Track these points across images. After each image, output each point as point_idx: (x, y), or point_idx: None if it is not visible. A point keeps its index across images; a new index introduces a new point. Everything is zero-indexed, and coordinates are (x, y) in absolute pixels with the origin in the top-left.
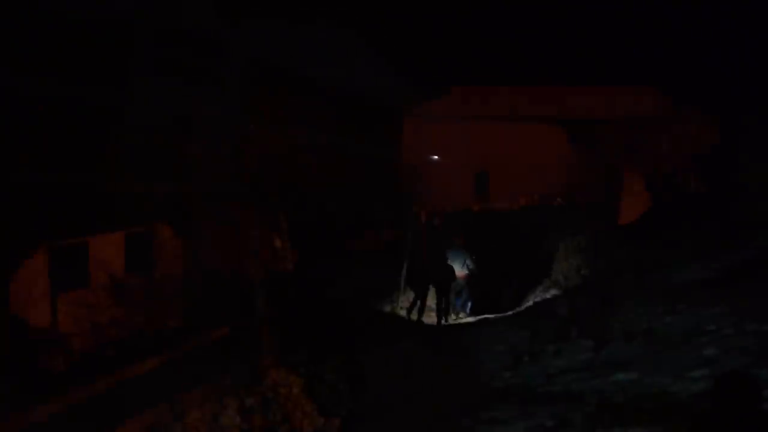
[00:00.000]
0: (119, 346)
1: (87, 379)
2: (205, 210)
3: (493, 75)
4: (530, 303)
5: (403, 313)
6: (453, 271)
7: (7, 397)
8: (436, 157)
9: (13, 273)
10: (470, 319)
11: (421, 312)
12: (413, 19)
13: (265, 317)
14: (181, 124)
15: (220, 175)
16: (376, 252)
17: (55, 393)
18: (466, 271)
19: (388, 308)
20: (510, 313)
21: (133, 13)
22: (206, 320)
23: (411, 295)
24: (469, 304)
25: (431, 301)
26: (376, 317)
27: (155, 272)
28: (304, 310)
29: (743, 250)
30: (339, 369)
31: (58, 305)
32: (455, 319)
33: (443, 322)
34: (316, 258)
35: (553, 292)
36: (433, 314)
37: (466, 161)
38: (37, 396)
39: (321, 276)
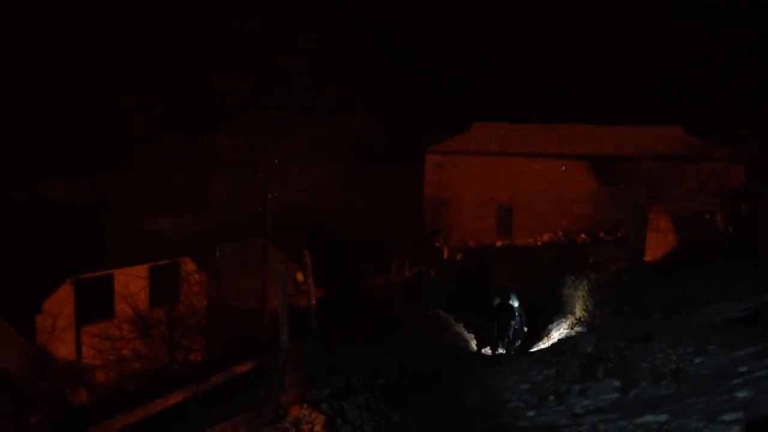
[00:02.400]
0: (142, 380)
1: (110, 414)
2: (229, 245)
3: (519, 112)
4: (554, 340)
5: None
6: (513, 310)
7: None
8: (459, 192)
9: (40, 305)
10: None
11: (496, 344)
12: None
13: (289, 352)
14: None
15: (244, 211)
16: (399, 286)
17: (78, 428)
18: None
19: (411, 342)
20: (534, 350)
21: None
22: (230, 354)
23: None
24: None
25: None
26: (400, 354)
27: (179, 306)
28: (327, 345)
29: None
30: (362, 406)
31: (82, 337)
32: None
33: (496, 351)
34: (341, 293)
35: (578, 329)
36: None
37: (490, 196)
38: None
39: (345, 311)
